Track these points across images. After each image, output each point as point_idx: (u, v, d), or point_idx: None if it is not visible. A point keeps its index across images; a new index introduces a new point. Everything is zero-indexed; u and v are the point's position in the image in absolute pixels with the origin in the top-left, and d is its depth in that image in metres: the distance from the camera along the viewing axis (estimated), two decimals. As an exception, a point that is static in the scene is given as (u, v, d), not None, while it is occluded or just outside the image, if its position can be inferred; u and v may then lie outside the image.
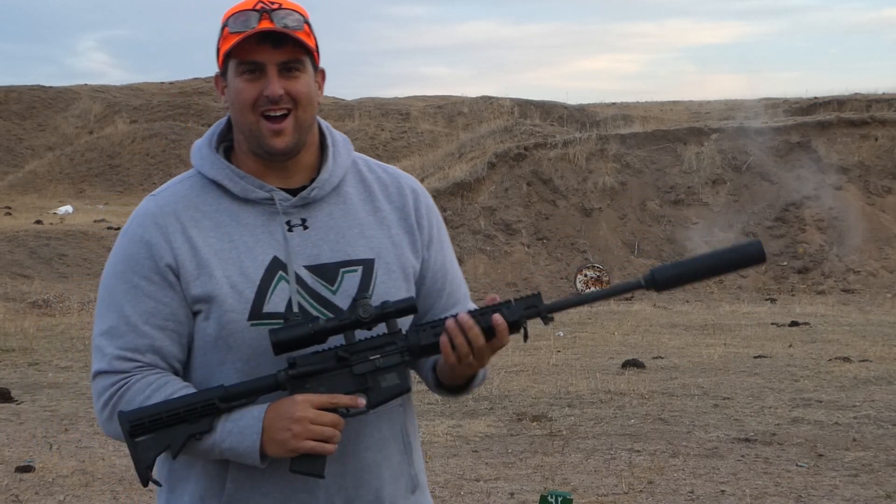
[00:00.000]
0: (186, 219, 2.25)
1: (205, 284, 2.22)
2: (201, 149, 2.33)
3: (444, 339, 2.19)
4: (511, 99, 39.81)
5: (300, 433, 2.13)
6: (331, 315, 2.23)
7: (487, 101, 40.22)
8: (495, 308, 2.21)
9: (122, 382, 2.20)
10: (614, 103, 42.75)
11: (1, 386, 9.93)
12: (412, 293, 2.33)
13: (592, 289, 20.61)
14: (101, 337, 2.24)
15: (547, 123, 31.02)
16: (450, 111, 40.10)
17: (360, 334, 2.22)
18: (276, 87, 2.22)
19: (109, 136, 38.36)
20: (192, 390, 2.20)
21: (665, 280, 2.18)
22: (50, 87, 44.24)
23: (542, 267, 21.94)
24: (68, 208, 29.42)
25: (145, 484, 2.17)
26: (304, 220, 2.28)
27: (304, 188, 2.30)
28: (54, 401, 9.65)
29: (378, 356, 2.19)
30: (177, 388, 2.20)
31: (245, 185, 2.27)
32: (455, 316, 2.20)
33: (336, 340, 2.21)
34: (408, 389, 2.24)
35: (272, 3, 2.23)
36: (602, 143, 24.56)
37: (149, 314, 2.22)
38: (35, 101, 43.05)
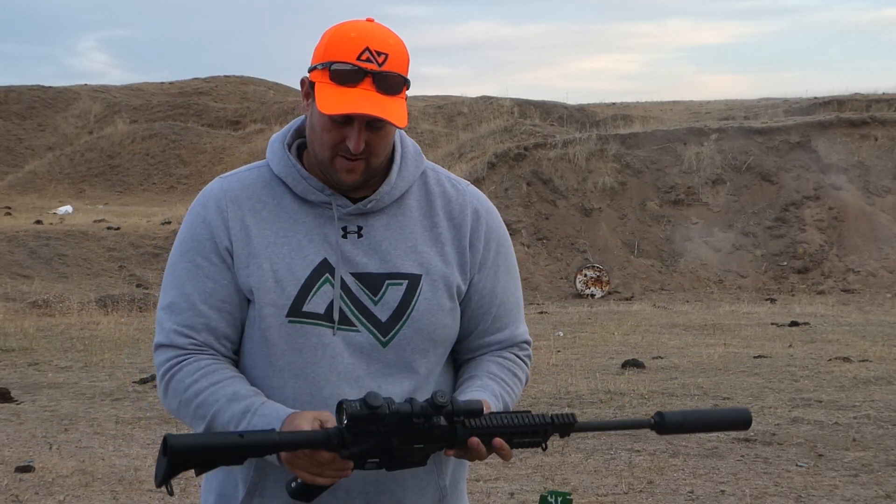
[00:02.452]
0: (247, 207, 2.31)
1: (252, 274, 2.27)
2: (274, 143, 2.38)
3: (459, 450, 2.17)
4: (511, 99, 39.79)
5: (289, 462, 2.14)
6: (367, 322, 2.26)
7: (487, 101, 40.21)
8: (529, 424, 2.20)
9: (177, 360, 2.28)
10: (614, 103, 42.74)
11: (1, 386, 9.93)
12: (456, 311, 2.35)
13: (592, 289, 20.61)
14: (163, 311, 2.32)
15: (547, 123, 31.01)
16: (450, 111, 40.09)
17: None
18: (359, 142, 2.23)
19: (109, 136, 38.37)
20: (239, 380, 2.25)
21: (671, 425, 2.27)
22: (50, 87, 44.26)
23: (542, 267, 21.95)
24: (68, 208, 29.43)
25: (161, 486, 2.14)
26: (359, 228, 2.30)
27: (365, 196, 2.32)
28: (54, 401, 9.65)
29: (422, 446, 2.16)
30: (224, 376, 2.25)
31: (307, 185, 2.31)
32: (486, 428, 2.18)
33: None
34: (422, 465, 2.21)
35: (378, 55, 2.22)
36: (602, 143, 24.56)
37: (207, 294, 2.28)
38: (35, 101, 43.06)
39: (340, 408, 2.08)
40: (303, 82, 2.31)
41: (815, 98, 33.20)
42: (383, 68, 2.22)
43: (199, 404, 2.24)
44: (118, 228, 24.34)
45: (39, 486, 6.87)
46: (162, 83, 45.55)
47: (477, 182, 23.45)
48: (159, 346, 2.32)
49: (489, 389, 2.31)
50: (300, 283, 2.26)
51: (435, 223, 2.36)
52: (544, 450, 2.26)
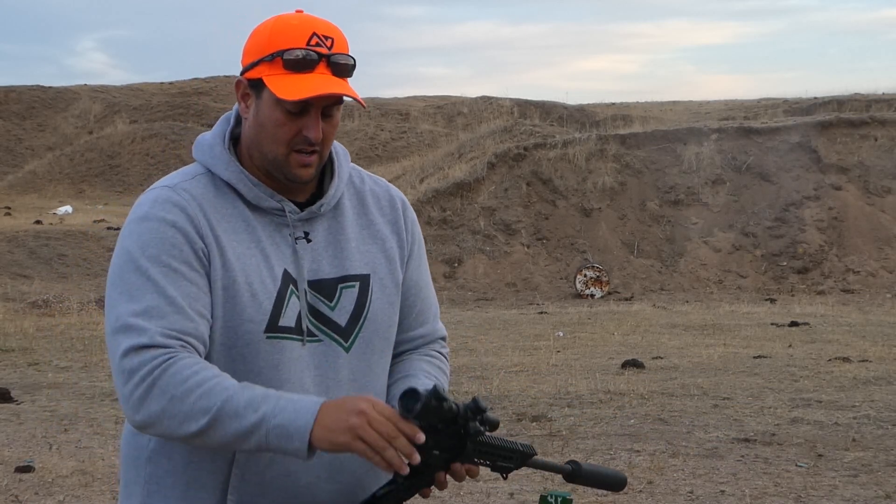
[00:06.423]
0: (210, 214, 2.18)
1: (227, 288, 2.15)
2: (213, 147, 2.25)
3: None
4: (511, 99, 39.83)
5: (357, 426, 2.00)
6: (327, 330, 2.21)
7: (487, 101, 40.23)
8: (511, 450, 2.24)
9: (168, 356, 2.05)
10: (614, 103, 42.76)
11: (1, 386, 9.93)
12: (399, 307, 2.33)
13: (592, 289, 20.60)
14: (138, 318, 2.07)
15: (547, 123, 31.01)
16: (449, 111, 40.10)
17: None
18: (318, 131, 2.17)
19: (109, 137, 38.38)
20: (236, 384, 2.08)
21: (583, 476, 2.29)
22: (50, 87, 44.28)
23: (542, 267, 21.94)
24: (68, 208, 29.45)
25: None
26: (306, 234, 2.24)
27: (307, 200, 2.27)
28: (54, 401, 9.65)
29: (437, 453, 2.17)
30: (221, 372, 2.08)
31: (259, 192, 2.22)
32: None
33: None
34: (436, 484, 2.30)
35: (326, 39, 2.17)
36: (602, 143, 24.56)
37: (192, 298, 2.10)
38: (35, 101, 43.07)
39: (412, 395, 2.00)
40: (239, 84, 2.22)
41: (815, 98, 33.24)
42: (333, 51, 2.18)
43: (203, 394, 2.03)
44: (118, 228, 24.35)
45: (39, 486, 6.87)
46: (162, 83, 45.56)
47: (477, 182, 23.46)
48: (140, 347, 2.05)
49: None
50: (273, 297, 2.17)
51: (371, 221, 2.33)
52: (504, 478, 2.29)
